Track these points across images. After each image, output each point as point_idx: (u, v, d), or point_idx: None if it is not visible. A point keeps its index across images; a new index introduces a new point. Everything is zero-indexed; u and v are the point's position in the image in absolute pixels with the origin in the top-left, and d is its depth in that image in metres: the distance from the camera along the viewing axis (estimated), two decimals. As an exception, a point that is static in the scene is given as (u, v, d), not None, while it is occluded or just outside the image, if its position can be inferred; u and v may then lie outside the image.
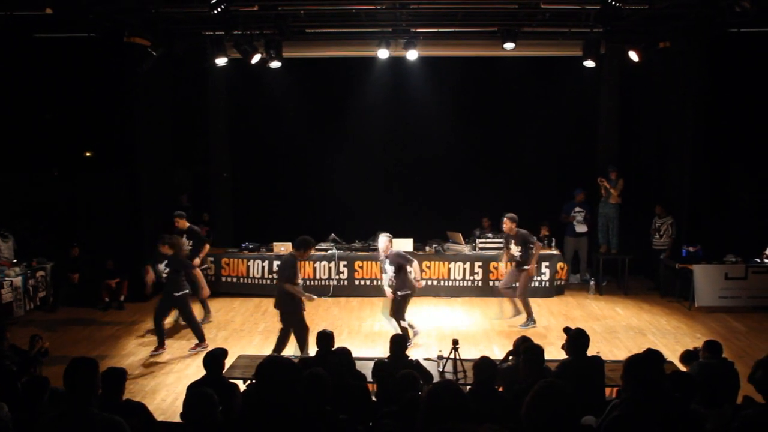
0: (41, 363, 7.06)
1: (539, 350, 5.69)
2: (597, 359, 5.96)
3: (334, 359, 6.09)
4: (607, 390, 6.34)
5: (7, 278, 11.05)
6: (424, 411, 3.22)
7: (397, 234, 10.79)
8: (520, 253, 10.72)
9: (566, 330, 6.05)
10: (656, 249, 12.93)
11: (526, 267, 10.70)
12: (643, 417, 3.71)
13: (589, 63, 12.05)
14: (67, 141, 13.91)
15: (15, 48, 12.32)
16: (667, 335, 10.31)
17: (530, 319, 10.72)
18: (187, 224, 11.22)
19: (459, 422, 3.02)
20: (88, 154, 14.74)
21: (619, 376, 4.10)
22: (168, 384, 8.49)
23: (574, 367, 5.69)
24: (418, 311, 11.35)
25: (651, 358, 4.24)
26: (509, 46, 11.69)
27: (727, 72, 12.30)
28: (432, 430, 2.97)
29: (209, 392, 4.20)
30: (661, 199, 13.01)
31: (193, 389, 4.71)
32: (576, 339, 5.84)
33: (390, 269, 9.65)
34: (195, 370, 8.61)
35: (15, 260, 11.77)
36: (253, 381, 6.18)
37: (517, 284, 10.79)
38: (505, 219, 10.76)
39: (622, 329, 10.63)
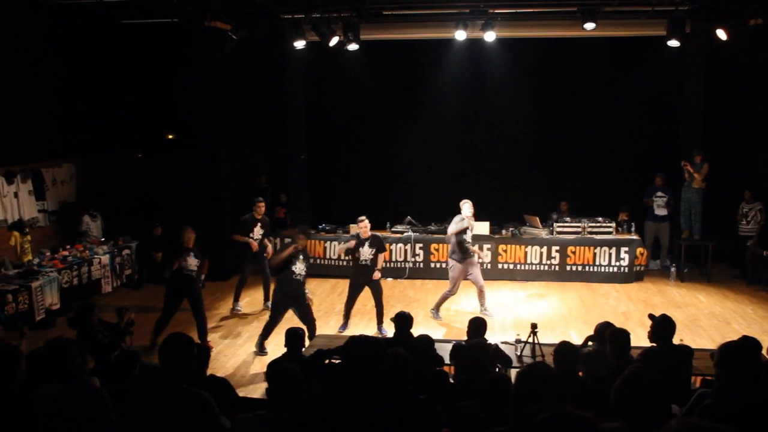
0: (131, 333, 7.32)
1: (626, 335, 5.58)
2: (685, 348, 5.80)
3: (414, 342, 6.12)
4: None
5: (96, 256, 11.49)
6: (515, 392, 3.22)
7: (474, 217, 10.73)
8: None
9: (651, 317, 5.90)
10: (743, 235, 12.42)
11: None
12: (737, 406, 3.60)
13: (674, 42, 11.54)
14: (150, 124, 14.37)
15: (103, 34, 12.74)
16: (753, 324, 9.98)
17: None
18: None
19: (550, 403, 3.01)
20: (170, 136, 15.16)
21: (713, 364, 3.99)
22: (247, 362, 8.71)
23: (659, 355, 5.55)
24: (494, 295, 11.30)
25: (747, 345, 4.11)
26: (590, 26, 11.36)
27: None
28: (524, 411, 2.95)
29: (294, 368, 4.27)
30: (748, 184, 12.51)
31: (278, 365, 4.80)
32: (662, 326, 5.69)
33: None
34: (272, 348, 8.78)
35: (103, 239, 12.25)
36: (333, 360, 6.28)
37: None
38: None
39: (705, 317, 10.35)
